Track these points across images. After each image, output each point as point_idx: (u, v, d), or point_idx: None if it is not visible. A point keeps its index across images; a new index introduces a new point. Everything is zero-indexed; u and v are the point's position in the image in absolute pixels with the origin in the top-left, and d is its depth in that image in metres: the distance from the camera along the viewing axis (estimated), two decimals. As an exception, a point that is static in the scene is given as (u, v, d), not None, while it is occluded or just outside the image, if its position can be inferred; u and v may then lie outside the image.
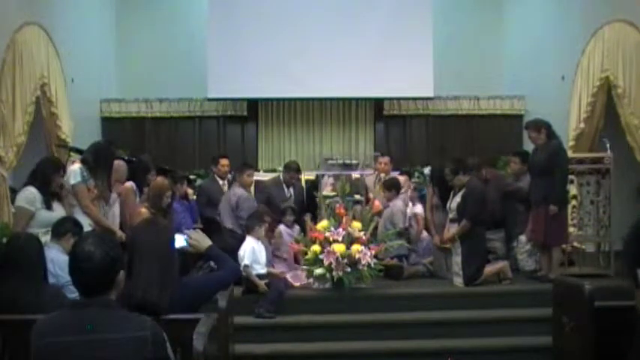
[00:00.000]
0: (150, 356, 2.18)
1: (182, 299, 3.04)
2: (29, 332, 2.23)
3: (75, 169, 5.17)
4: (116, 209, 5.82)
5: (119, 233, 5.20)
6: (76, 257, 2.25)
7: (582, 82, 7.95)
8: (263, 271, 5.74)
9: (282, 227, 6.57)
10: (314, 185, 7.74)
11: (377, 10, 9.88)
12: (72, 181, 5.11)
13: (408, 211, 7.18)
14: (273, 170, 9.16)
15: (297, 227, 6.77)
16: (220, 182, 7.55)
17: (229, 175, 7.67)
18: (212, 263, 5.42)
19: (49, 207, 4.89)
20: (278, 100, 10.31)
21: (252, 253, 5.71)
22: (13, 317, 3.22)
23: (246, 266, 5.60)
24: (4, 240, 4.21)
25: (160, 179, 5.79)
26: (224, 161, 7.72)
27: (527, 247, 6.64)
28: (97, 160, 5.26)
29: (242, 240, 6.04)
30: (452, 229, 6.31)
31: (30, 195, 4.86)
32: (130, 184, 6.01)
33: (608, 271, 6.45)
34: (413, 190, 7.54)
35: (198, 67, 9.88)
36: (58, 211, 4.96)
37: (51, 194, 4.96)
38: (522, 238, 6.66)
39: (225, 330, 3.37)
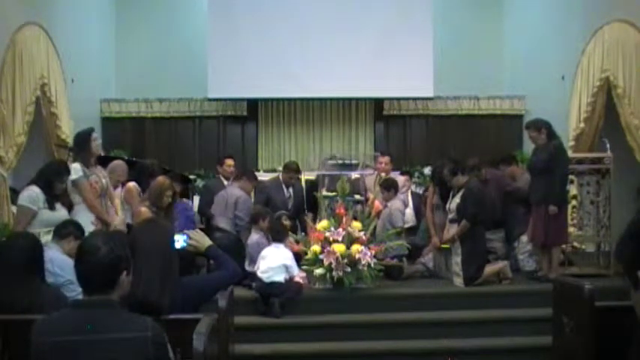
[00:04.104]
0: (150, 357, 2.18)
1: (182, 299, 3.04)
2: (29, 332, 2.23)
3: (76, 166, 5.23)
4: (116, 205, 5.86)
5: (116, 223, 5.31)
6: (82, 249, 2.28)
7: (582, 82, 7.94)
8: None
9: None
10: (314, 185, 7.74)
11: (377, 10, 9.88)
12: (73, 176, 5.15)
13: (407, 211, 7.18)
14: (273, 170, 9.16)
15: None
16: (225, 182, 7.56)
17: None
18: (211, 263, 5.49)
19: (51, 207, 4.91)
20: (278, 100, 10.32)
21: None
22: (13, 317, 3.22)
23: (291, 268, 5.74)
24: (4, 240, 4.21)
25: (161, 178, 5.79)
26: (229, 161, 7.74)
27: (528, 248, 6.64)
28: (77, 145, 5.39)
29: (234, 240, 6.12)
30: (452, 230, 6.31)
31: (33, 194, 4.88)
32: (132, 184, 6.02)
33: (608, 271, 6.45)
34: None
35: (198, 67, 9.89)
36: (61, 212, 4.98)
37: (54, 196, 4.99)
38: (523, 238, 6.65)
39: (225, 330, 3.37)
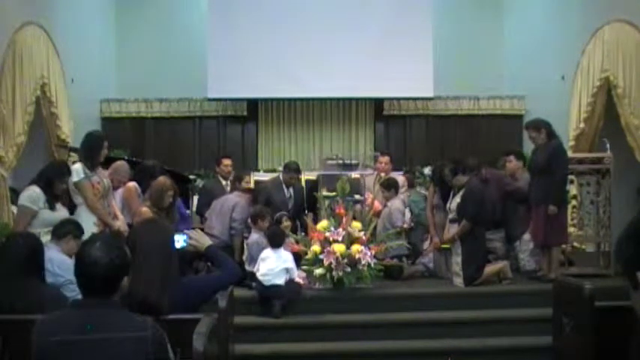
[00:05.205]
0: (150, 357, 2.18)
1: (182, 299, 3.04)
2: (29, 332, 2.23)
3: (77, 168, 5.23)
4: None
5: (118, 224, 5.32)
6: (82, 261, 2.26)
7: (582, 82, 7.95)
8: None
9: None
10: (314, 185, 7.74)
11: (377, 10, 9.90)
12: (75, 179, 5.15)
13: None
14: (273, 170, 9.17)
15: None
16: (223, 183, 7.56)
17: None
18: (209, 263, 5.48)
19: (52, 207, 4.91)
20: (278, 100, 10.33)
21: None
22: (13, 317, 3.23)
23: (292, 270, 5.67)
24: (4, 240, 4.22)
25: (162, 178, 5.78)
26: (226, 161, 7.73)
27: (530, 246, 6.63)
28: (87, 148, 5.36)
29: (222, 247, 6.08)
30: (452, 230, 6.31)
31: (33, 194, 4.89)
32: (132, 184, 6.02)
33: (608, 271, 6.44)
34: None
35: (198, 67, 9.89)
36: (61, 212, 4.99)
37: (54, 196, 4.99)
38: (525, 237, 6.65)
39: (225, 330, 3.37)
